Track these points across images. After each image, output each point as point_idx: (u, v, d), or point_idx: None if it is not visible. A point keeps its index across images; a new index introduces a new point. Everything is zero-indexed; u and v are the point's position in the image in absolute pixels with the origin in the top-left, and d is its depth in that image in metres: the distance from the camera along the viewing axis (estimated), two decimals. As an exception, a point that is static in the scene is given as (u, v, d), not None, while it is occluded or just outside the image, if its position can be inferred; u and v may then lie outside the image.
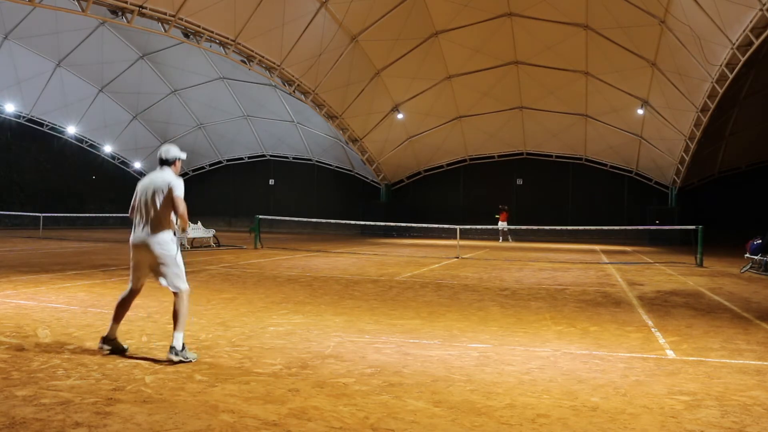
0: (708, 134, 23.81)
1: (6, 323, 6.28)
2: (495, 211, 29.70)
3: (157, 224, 5.03)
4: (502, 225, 28.73)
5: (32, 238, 22.33)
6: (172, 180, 5.07)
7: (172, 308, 5.08)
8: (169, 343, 4.98)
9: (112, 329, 5.15)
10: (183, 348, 4.91)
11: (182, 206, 5.02)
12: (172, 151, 5.28)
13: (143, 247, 5.06)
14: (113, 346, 5.12)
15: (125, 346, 5.18)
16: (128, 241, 5.26)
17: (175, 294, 5.05)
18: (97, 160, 36.78)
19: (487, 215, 30.17)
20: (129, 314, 6.91)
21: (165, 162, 5.22)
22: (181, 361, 4.84)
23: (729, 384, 4.60)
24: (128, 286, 5.26)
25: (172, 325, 5.02)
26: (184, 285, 5.08)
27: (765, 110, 24.82)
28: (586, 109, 28.72)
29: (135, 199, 5.19)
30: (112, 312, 5.23)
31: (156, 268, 5.07)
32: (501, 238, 29.29)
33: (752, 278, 12.96)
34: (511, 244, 27.12)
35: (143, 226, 5.07)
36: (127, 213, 5.39)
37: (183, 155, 5.35)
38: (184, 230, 5.24)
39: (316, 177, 37.49)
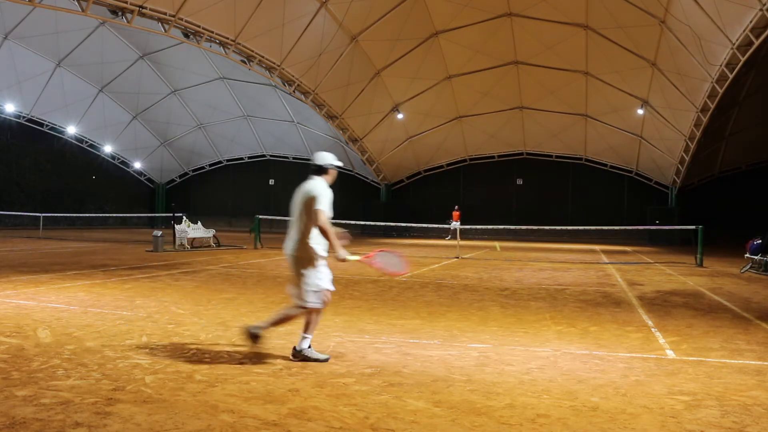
0: (708, 134, 23.81)
1: (6, 323, 6.27)
2: (495, 212, 29.64)
3: (299, 237, 4.98)
4: (454, 224, 25.97)
5: (32, 238, 22.32)
6: (312, 189, 4.88)
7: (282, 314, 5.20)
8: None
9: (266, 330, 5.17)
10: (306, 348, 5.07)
11: (321, 218, 4.79)
12: (328, 157, 4.99)
13: (288, 258, 5.12)
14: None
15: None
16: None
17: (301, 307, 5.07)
18: (97, 160, 36.77)
19: (488, 215, 30.15)
20: (129, 314, 6.94)
21: (319, 170, 4.99)
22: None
23: (729, 384, 4.59)
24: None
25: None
26: (310, 302, 5.01)
27: (765, 110, 24.80)
28: (586, 109, 28.72)
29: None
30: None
31: (293, 280, 5.12)
32: (450, 236, 28.38)
33: (752, 278, 12.95)
34: (454, 242, 23.22)
35: (289, 237, 5.08)
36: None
37: (339, 163, 5.07)
38: (333, 250, 4.94)
39: (316, 177, 37.43)
